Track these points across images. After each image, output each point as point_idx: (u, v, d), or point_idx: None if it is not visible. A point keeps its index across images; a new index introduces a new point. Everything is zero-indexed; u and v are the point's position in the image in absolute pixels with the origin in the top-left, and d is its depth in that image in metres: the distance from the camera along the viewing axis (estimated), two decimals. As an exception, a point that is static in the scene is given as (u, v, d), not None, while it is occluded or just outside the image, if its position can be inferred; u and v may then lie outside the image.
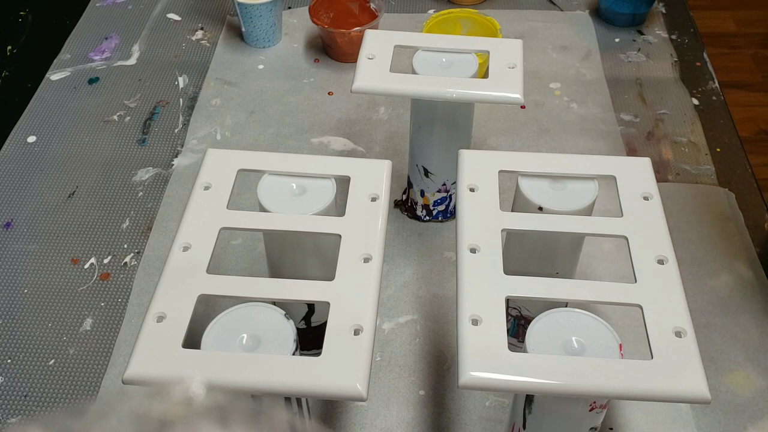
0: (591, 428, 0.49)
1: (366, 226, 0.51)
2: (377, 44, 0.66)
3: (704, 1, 2.02)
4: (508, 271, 0.48)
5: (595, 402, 0.46)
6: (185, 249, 0.50)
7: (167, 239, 0.75)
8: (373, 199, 0.53)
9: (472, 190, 0.53)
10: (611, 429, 0.61)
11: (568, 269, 0.59)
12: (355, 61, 0.66)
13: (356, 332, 0.45)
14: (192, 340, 0.45)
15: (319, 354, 0.44)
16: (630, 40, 0.98)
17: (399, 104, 0.89)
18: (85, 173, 0.82)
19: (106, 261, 0.74)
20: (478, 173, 0.54)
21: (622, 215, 0.52)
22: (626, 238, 0.50)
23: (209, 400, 0.29)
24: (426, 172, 0.72)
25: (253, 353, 0.45)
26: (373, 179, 0.54)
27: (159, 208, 0.78)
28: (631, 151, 0.84)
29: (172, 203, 0.79)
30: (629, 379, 0.43)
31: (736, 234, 0.75)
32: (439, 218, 0.77)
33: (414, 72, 0.66)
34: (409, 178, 0.76)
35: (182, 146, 0.85)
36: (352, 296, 0.47)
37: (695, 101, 0.90)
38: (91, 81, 0.93)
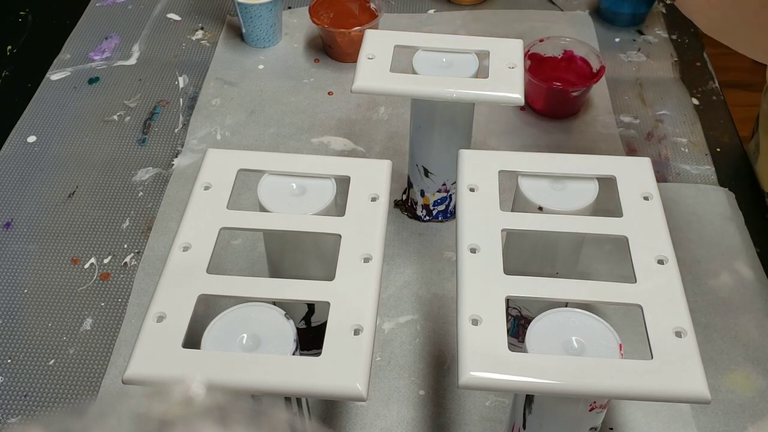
0: (591, 428, 0.49)
1: (366, 226, 0.51)
2: (377, 44, 0.66)
3: (704, 1, 2.01)
4: (508, 271, 0.48)
5: (595, 402, 0.46)
6: (185, 249, 0.50)
7: (167, 239, 0.75)
8: (373, 199, 0.53)
9: (472, 190, 0.53)
10: (611, 429, 0.61)
11: (568, 269, 0.59)
12: (355, 61, 0.66)
13: (356, 332, 0.45)
14: (192, 340, 0.45)
15: (319, 354, 0.44)
16: (630, 40, 0.98)
17: (399, 104, 0.89)
18: (85, 173, 0.82)
19: (106, 261, 0.74)
20: (478, 173, 0.54)
21: (622, 215, 0.52)
22: (626, 238, 0.50)
23: (209, 400, 0.29)
24: (426, 172, 0.72)
25: (253, 353, 0.45)
26: (373, 179, 0.54)
27: (159, 208, 0.78)
28: (631, 152, 0.84)
29: (172, 203, 0.79)
30: (629, 379, 0.43)
31: (736, 234, 0.75)
32: (439, 218, 0.77)
33: (414, 72, 0.66)
34: (409, 178, 0.76)
35: (182, 146, 0.85)
36: (352, 296, 0.47)
37: (695, 101, 0.90)
38: (91, 81, 0.93)
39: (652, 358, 0.44)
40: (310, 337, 0.62)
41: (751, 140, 0.86)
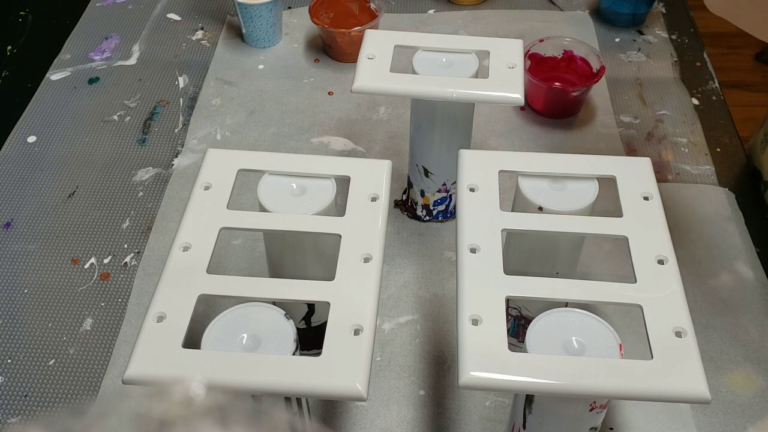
0: (591, 428, 0.49)
1: (366, 226, 0.51)
2: (377, 44, 0.66)
3: (704, 1, 2.01)
4: (508, 271, 0.48)
5: (595, 402, 0.46)
6: (185, 249, 0.50)
7: (167, 239, 0.75)
8: (373, 199, 0.53)
9: (472, 190, 0.53)
10: (611, 429, 0.61)
11: (568, 269, 0.59)
12: (355, 61, 0.66)
13: (356, 332, 0.45)
14: (192, 340, 0.45)
15: (319, 354, 0.44)
16: (630, 40, 0.98)
17: (399, 104, 0.89)
18: (85, 173, 0.82)
19: (106, 261, 0.74)
20: (478, 173, 0.54)
21: (622, 215, 0.52)
22: (626, 238, 0.50)
23: (209, 400, 0.29)
24: (426, 172, 0.72)
25: (253, 353, 0.45)
26: (373, 179, 0.54)
27: (159, 208, 0.78)
28: (631, 152, 0.84)
29: (172, 203, 0.79)
30: (629, 379, 0.43)
31: (736, 234, 0.75)
32: (439, 218, 0.77)
33: (414, 72, 0.66)
34: (409, 178, 0.76)
35: (182, 146, 0.85)
36: (352, 296, 0.47)
37: (695, 101, 0.90)
38: (91, 81, 0.93)
39: (652, 358, 0.44)
40: (310, 337, 0.62)
41: (759, 131, 0.85)
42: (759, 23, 0.61)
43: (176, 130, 0.87)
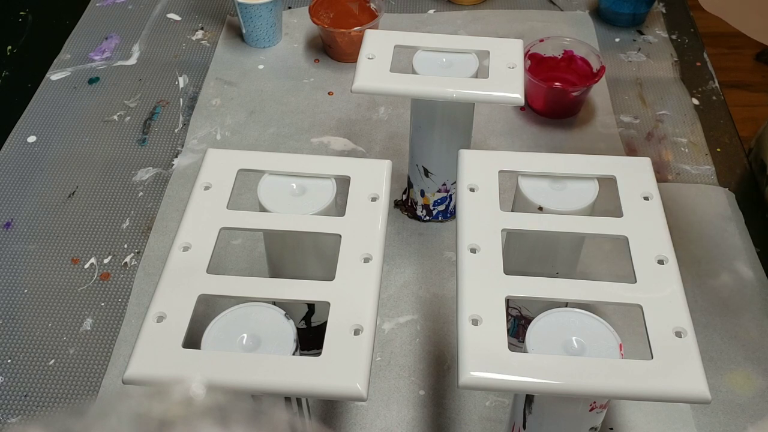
0: (591, 428, 0.49)
1: (366, 226, 0.51)
2: (377, 44, 0.66)
3: (704, 1, 2.01)
4: (508, 271, 0.48)
5: (595, 402, 0.46)
6: (185, 249, 0.50)
7: (167, 239, 0.75)
8: (373, 199, 0.53)
9: (472, 190, 0.53)
10: (611, 429, 0.61)
11: (568, 269, 0.59)
12: (355, 61, 0.66)
13: (356, 332, 0.45)
14: (192, 340, 0.45)
15: (319, 354, 0.44)
16: (630, 40, 0.98)
17: (399, 104, 0.89)
18: (85, 173, 0.82)
19: (106, 261, 0.74)
20: (478, 173, 0.54)
21: (622, 215, 0.52)
22: (626, 238, 0.50)
23: (209, 400, 0.29)
24: (426, 172, 0.72)
25: (253, 353, 0.45)
26: (373, 179, 0.54)
27: (159, 208, 0.78)
28: (631, 152, 0.84)
29: (172, 203, 0.79)
30: (629, 379, 0.43)
31: (736, 234, 0.75)
32: (439, 218, 0.77)
33: (414, 72, 0.66)
34: (409, 178, 0.76)
35: (182, 146, 0.85)
36: (352, 296, 0.47)
37: (695, 101, 0.90)
38: (91, 81, 0.93)
39: (652, 358, 0.44)
40: (310, 337, 0.62)
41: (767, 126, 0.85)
42: (752, 22, 0.61)
43: (176, 130, 0.87)
